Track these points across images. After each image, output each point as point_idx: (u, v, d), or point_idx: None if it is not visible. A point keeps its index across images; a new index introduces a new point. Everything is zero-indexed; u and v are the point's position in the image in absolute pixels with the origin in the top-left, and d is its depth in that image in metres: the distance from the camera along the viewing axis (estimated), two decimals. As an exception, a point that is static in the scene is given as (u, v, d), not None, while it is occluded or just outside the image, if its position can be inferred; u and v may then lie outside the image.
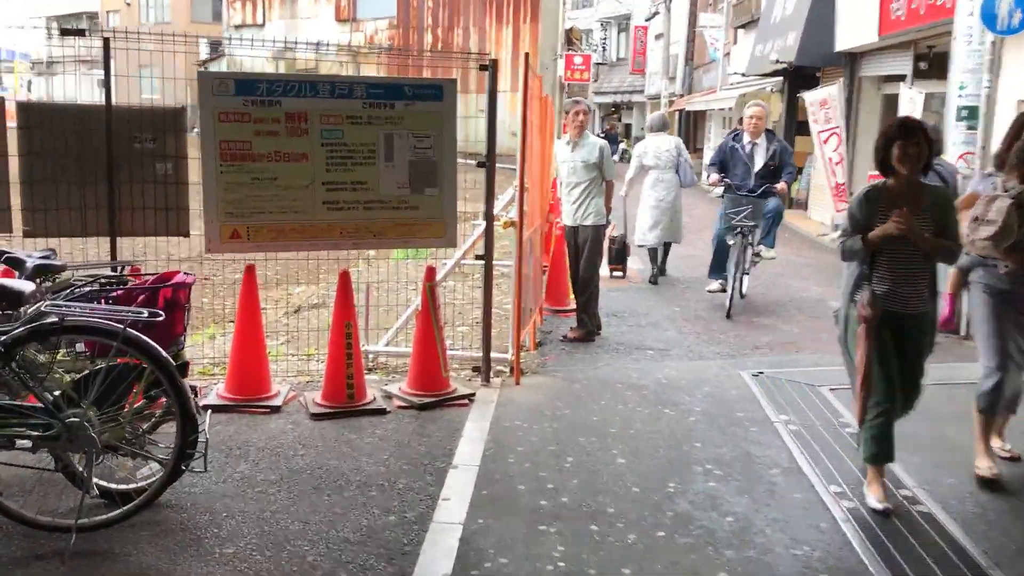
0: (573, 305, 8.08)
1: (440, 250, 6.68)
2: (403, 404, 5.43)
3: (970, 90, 7.73)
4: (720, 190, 9.16)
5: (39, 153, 5.18)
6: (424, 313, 5.54)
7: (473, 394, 5.63)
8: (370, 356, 6.32)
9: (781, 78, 18.78)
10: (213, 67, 30.65)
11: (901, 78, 12.96)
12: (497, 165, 5.68)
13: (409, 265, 6.52)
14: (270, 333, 7.53)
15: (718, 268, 8.99)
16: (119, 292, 3.86)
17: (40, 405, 3.52)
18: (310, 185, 5.15)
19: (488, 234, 5.82)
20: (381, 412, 5.28)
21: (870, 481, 4.25)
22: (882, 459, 4.23)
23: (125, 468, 3.87)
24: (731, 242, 8.62)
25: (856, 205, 4.16)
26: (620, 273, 10.30)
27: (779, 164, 8.70)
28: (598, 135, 14.00)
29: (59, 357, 3.75)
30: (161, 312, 3.55)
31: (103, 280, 4.20)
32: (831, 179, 13.50)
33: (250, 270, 5.36)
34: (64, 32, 5.56)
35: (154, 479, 3.80)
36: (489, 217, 5.80)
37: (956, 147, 7.80)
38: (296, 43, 6.05)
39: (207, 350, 6.78)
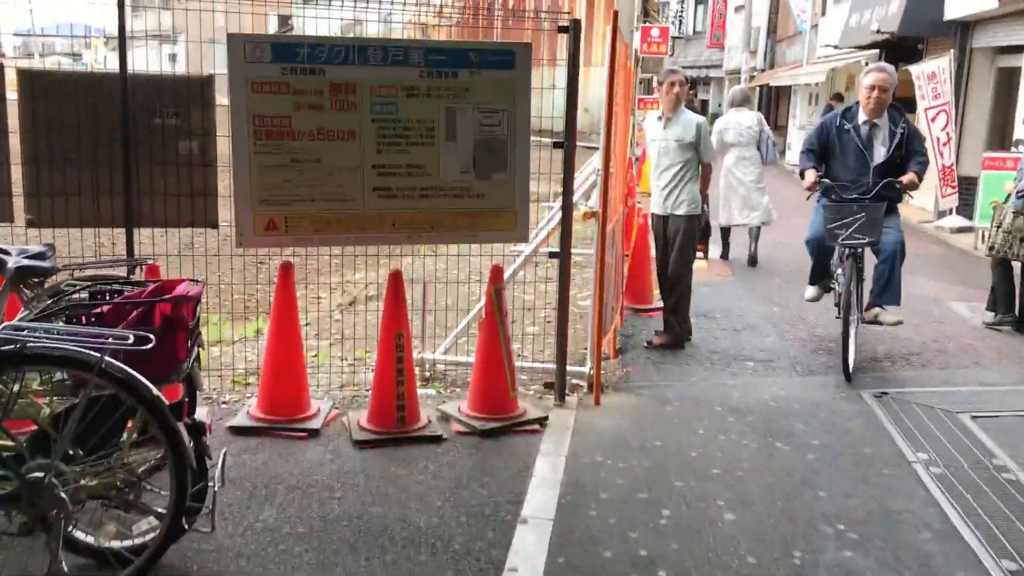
0: (657, 304, 7.16)
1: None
2: (463, 429, 4.60)
3: None
4: (816, 193, 6.15)
5: (44, 129, 4.43)
6: (489, 321, 4.69)
7: (545, 417, 4.77)
8: (426, 364, 5.50)
9: (878, 51, 17.41)
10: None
11: (1021, 49, 11.66)
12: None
13: (472, 253, 5.62)
14: (319, 331, 6.79)
15: (818, 275, 6.52)
16: (106, 308, 3.05)
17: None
18: (358, 168, 4.36)
19: (565, 228, 4.92)
20: (436, 439, 4.45)
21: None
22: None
23: (114, 524, 3.12)
24: (837, 270, 6.24)
25: None
26: (701, 254, 9.38)
27: (906, 154, 5.98)
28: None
29: (34, 387, 3.00)
30: (151, 336, 2.75)
31: (101, 287, 3.43)
32: (938, 160, 12.47)
33: (286, 268, 4.58)
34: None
35: (156, 535, 3.05)
36: (567, 209, 4.90)
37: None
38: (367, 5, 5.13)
39: (248, 352, 6.05)
